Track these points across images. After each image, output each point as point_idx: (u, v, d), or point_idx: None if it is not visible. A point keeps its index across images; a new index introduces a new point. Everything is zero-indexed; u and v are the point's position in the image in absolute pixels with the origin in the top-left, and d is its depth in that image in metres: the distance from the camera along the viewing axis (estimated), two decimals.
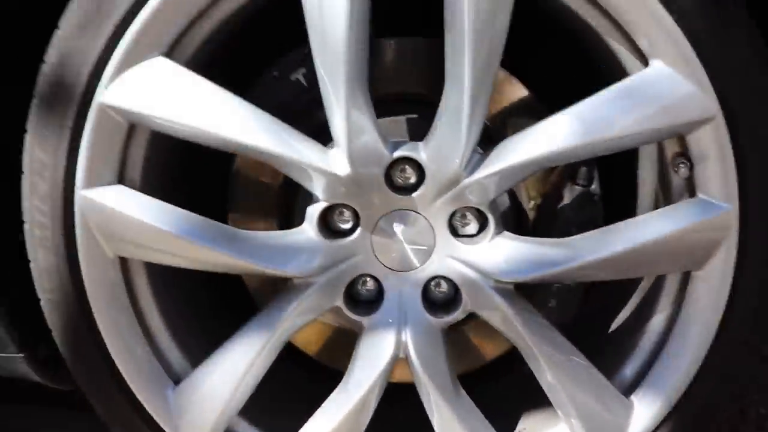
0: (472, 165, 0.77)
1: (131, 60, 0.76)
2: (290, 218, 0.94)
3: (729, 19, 0.74)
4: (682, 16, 0.73)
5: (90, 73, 0.76)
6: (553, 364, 0.84)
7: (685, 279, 0.83)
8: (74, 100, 0.77)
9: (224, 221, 0.99)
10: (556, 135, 0.76)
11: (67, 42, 0.76)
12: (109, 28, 0.75)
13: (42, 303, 0.85)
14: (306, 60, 0.86)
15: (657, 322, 0.86)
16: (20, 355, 0.89)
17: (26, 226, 0.82)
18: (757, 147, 0.77)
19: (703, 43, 0.74)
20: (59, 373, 0.95)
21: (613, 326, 0.94)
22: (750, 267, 0.80)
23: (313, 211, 0.81)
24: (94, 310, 0.83)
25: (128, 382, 0.86)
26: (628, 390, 0.87)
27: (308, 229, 0.81)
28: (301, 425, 0.89)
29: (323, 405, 0.87)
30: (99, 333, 0.84)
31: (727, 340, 0.82)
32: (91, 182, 0.79)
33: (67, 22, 0.76)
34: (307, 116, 0.88)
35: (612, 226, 0.81)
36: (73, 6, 0.76)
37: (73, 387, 0.94)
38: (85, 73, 0.76)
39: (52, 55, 0.77)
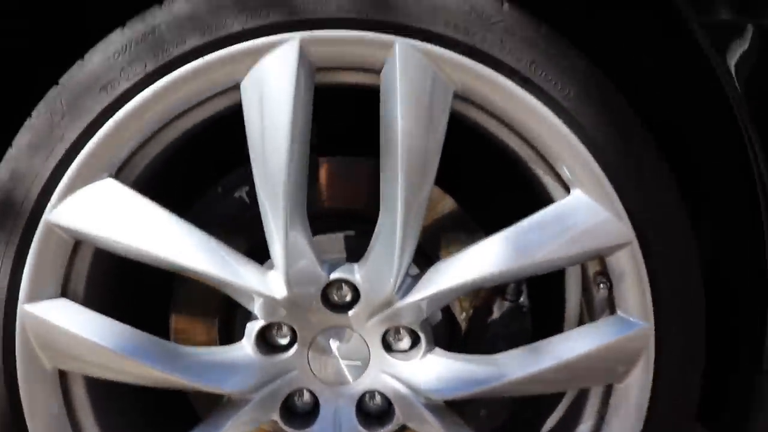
0: (405, 288, 0.81)
1: (81, 181, 0.79)
2: (232, 322, 0.98)
3: (640, 154, 0.82)
4: (596, 149, 0.80)
5: (39, 192, 0.79)
6: None
7: (608, 390, 0.88)
8: (22, 217, 0.79)
9: (167, 322, 1.01)
10: (484, 260, 0.81)
11: (19, 161, 0.79)
12: (60, 151, 0.78)
13: None
14: (248, 178, 0.91)
15: (583, 430, 0.90)
16: None
17: None
18: (668, 270, 0.83)
19: (617, 175, 0.80)
20: None
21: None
22: (667, 379, 0.85)
23: (252, 329, 0.84)
24: (28, 422, 0.83)
25: None
26: None
27: (246, 346, 0.84)
28: None
29: None
30: None
31: None
32: (34, 297, 0.81)
33: (20, 141, 0.79)
34: (249, 231, 0.92)
35: (538, 343, 0.85)
36: (27, 127, 0.79)
37: None
38: (35, 192, 0.79)
39: (3, 172, 0.80)
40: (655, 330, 0.83)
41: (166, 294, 1.01)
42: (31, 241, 0.80)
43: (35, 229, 0.80)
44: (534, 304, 0.98)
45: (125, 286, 0.93)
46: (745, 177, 0.82)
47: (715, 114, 0.83)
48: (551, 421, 0.99)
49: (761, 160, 0.80)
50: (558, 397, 0.97)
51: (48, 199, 0.79)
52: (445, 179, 0.90)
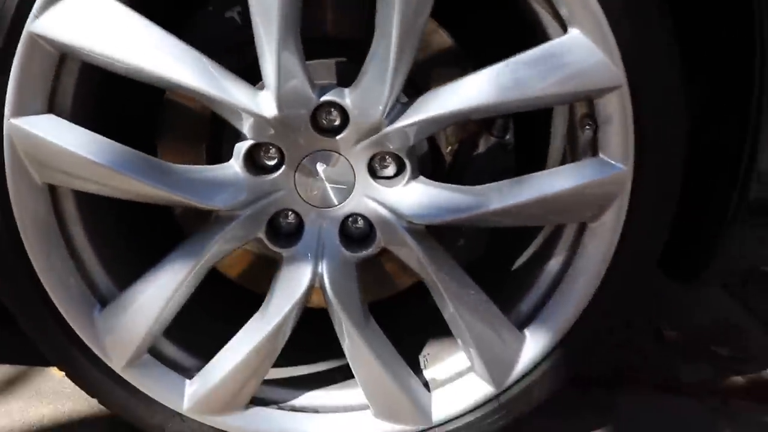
0: (394, 114, 0.83)
1: None
2: (218, 149, 1.00)
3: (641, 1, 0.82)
4: None
5: (17, 3, 0.77)
6: (454, 298, 0.94)
7: (581, 229, 0.93)
8: (2, 28, 0.78)
9: (153, 149, 1.03)
10: (474, 92, 0.82)
11: None
12: None
13: None
14: None
15: (553, 265, 0.97)
16: None
17: None
18: (653, 116, 0.85)
19: (617, 18, 0.81)
20: None
21: (515, 266, 1.05)
22: (636, 223, 0.91)
23: (240, 148, 0.86)
24: (21, 233, 0.87)
25: (56, 303, 0.92)
26: (523, 324, 0.98)
27: (235, 165, 0.87)
28: (222, 345, 0.98)
29: (243, 328, 0.96)
30: (27, 256, 0.89)
31: (611, 285, 0.94)
32: (21, 111, 0.82)
33: None
34: (239, 53, 0.92)
35: (520, 178, 0.89)
36: None
37: None
38: (13, 3, 0.77)
39: None
40: (633, 175, 0.87)
41: (152, 122, 1.02)
42: (14, 52, 0.80)
43: (17, 40, 0.79)
44: (519, 142, 1.01)
45: (112, 106, 0.93)
46: (743, 35, 0.84)
47: None
48: (524, 257, 1.05)
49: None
50: (531, 234, 1.04)
51: (29, 8, 0.78)
52: (442, 13, 0.89)
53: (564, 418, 1.21)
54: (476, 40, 1.00)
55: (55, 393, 1.18)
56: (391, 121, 0.83)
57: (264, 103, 0.82)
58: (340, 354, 1.00)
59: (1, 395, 1.18)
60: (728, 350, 1.45)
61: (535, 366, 0.98)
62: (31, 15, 0.78)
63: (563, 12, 0.82)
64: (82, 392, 1.05)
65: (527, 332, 0.98)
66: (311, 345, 1.08)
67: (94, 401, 1.11)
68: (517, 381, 0.99)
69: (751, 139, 0.88)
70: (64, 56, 0.82)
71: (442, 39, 0.97)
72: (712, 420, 1.25)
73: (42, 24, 0.78)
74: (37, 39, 0.79)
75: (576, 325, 0.96)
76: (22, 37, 0.79)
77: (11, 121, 0.82)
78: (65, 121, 0.84)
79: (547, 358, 0.98)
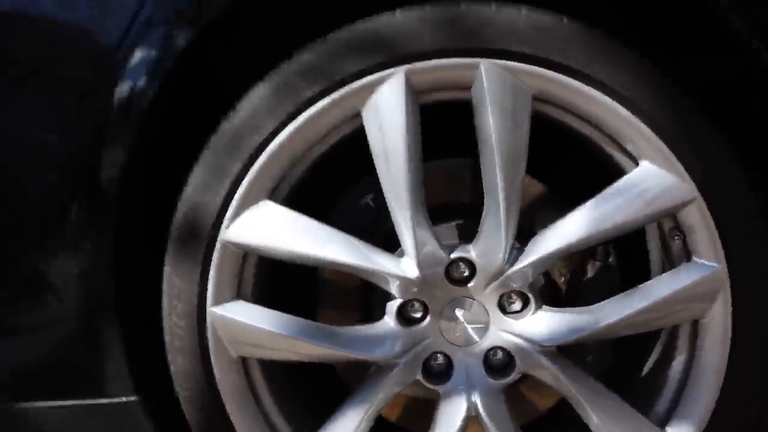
0: (512, 258, 1.06)
1: (244, 206, 1.07)
2: (369, 313, 1.25)
3: (693, 125, 1.04)
4: (656, 126, 1.03)
5: (214, 219, 1.07)
6: (597, 407, 1.11)
7: (695, 326, 1.11)
8: (203, 240, 1.08)
9: (314, 316, 1.29)
10: (573, 228, 1.05)
11: (195, 197, 1.08)
12: (226, 185, 1.07)
13: (180, 397, 1.14)
14: (372, 186, 1.19)
15: (678, 363, 1.13)
16: None
17: (167, 338, 1.13)
18: (731, 217, 1.06)
19: (677, 145, 1.04)
20: None
21: (644, 371, 1.21)
22: (743, 311, 1.08)
23: (392, 306, 1.10)
24: (224, 400, 1.13)
25: None
26: (662, 423, 1.13)
27: (389, 321, 1.11)
28: None
29: None
30: (228, 416, 1.13)
31: (736, 373, 1.10)
32: (218, 300, 1.10)
33: (194, 180, 1.08)
34: (376, 230, 1.20)
35: (628, 291, 1.09)
36: (197, 170, 1.08)
37: None
38: (210, 219, 1.07)
39: (183, 207, 1.08)
40: (728, 269, 1.06)
41: (313, 294, 1.30)
42: (212, 256, 1.09)
43: (214, 247, 1.09)
44: (621, 262, 1.22)
45: (282, 287, 1.21)
46: None
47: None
48: (650, 361, 1.22)
49: None
50: (654, 339, 1.21)
51: (221, 223, 1.08)
52: (534, 168, 1.15)
53: None
54: (564, 183, 1.24)
55: None
56: (511, 265, 1.06)
57: (407, 267, 1.07)
58: None
59: None
60: None
61: None
62: (222, 227, 1.08)
63: (630, 149, 1.06)
64: None
65: (669, 430, 1.13)
66: None
67: None
68: None
69: None
70: (246, 254, 1.11)
71: (538, 188, 1.22)
72: None
73: (230, 232, 1.08)
74: (227, 244, 1.08)
75: (713, 418, 1.11)
76: (216, 244, 1.08)
77: (212, 309, 1.10)
78: (250, 304, 1.12)
79: None
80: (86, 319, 1.12)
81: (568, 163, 1.23)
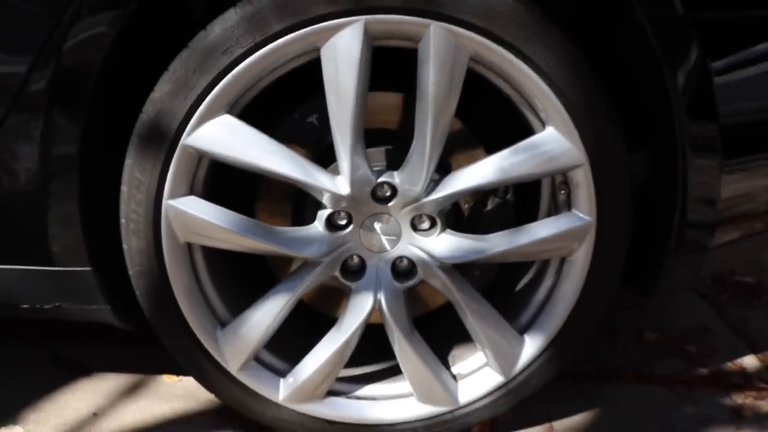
0: (429, 189, 1.32)
1: (206, 117, 1.26)
2: (301, 211, 1.49)
3: (596, 106, 1.30)
4: (566, 101, 1.28)
5: (178, 125, 1.26)
6: (474, 314, 1.42)
7: (562, 261, 1.42)
8: (166, 142, 1.27)
9: (253, 214, 1.51)
10: (483, 173, 1.31)
11: (162, 103, 1.25)
12: (193, 96, 1.24)
13: (131, 273, 1.36)
14: (317, 108, 1.40)
15: (544, 287, 1.46)
16: (108, 307, 1.42)
17: (123, 221, 1.33)
18: (608, 183, 1.34)
19: (579, 119, 1.29)
20: (130, 320, 1.48)
21: (517, 289, 1.54)
22: (601, 255, 1.39)
23: (322, 215, 1.35)
24: (170, 277, 1.36)
25: (191, 325, 1.40)
26: (522, 331, 1.47)
27: (318, 226, 1.36)
28: (304, 354, 1.46)
29: (323, 339, 1.44)
30: (172, 292, 1.37)
31: (585, 301, 1.43)
32: (173, 194, 1.31)
33: (162, 89, 1.25)
34: (316, 146, 1.41)
35: (517, 228, 1.38)
36: (166, 79, 1.24)
37: (138, 328, 1.48)
38: (174, 125, 1.26)
39: (149, 110, 1.26)
40: (597, 222, 1.36)
41: (253, 195, 1.51)
42: (172, 157, 1.28)
43: (175, 149, 1.28)
44: (517, 201, 1.50)
45: (227, 187, 1.42)
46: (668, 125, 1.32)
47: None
48: (524, 281, 1.55)
49: (678, 116, 1.29)
50: (528, 266, 1.53)
51: (184, 128, 1.27)
52: (460, 111, 1.38)
53: (561, 403, 1.69)
54: (485, 130, 1.48)
55: (170, 394, 1.68)
56: (427, 195, 1.32)
57: (341, 185, 1.30)
58: (390, 358, 1.49)
59: (126, 398, 1.67)
60: (696, 348, 1.93)
61: (533, 361, 1.47)
62: (185, 133, 1.26)
63: (542, 115, 1.31)
64: (192, 394, 1.54)
65: (526, 336, 1.46)
66: (370, 353, 1.57)
67: (201, 399, 1.62)
68: (520, 372, 1.47)
69: (681, 199, 1.37)
70: (201, 157, 1.31)
71: (460, 127, 1.46)
72: (679, 404, 1.73)
73: (191, 138, 1.27)
74: (187, 148, 1.27)
75: (561, 330, 1.45)
76: (177, 147, 1.27)
77: (167, 202, 1.31)
78: (201, 199, 1.33)
79: (541, 355, 1.47)
80: (49, 193, 1.30)
81: (488, 112, 1.47)
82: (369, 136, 1.35)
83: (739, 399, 1.75)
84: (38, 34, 1.21)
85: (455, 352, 1.56)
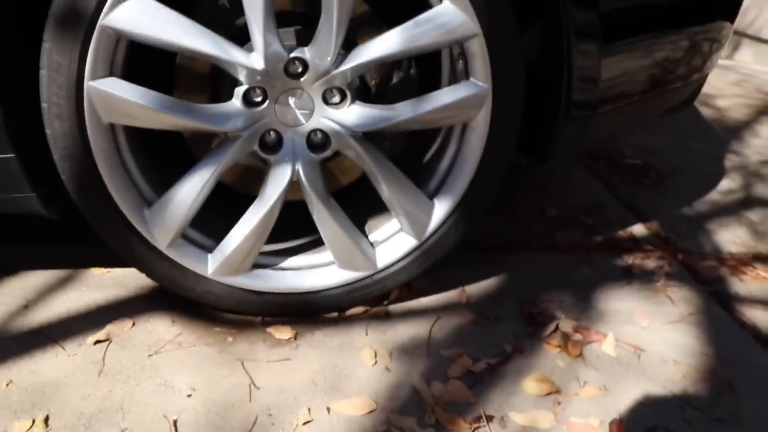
0: (338, 62, 1.44)
1: None
2: (215, 96, 1.58)
3: None
4: None
5: (95, 5, 1.33)
6: (387, 182, 1.56)
7: (464, 128, 1.58)
8: (84, 22, 1.34)
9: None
10: (387, 44, 1.43)
11: None
12: None
13: (56, 157, 1.44)
14: None
15: (449, 154, 1.61)
16: (33, 194, 1.50)
17: (44, 105, 1.40)
18: (501, 52, 1.49)
19: None
20: (55, 209, 1.56)
21: (425, 158, 1.68)
22: (498, 117, 1.55)
23: (239, 91, 1.45)
24: (96, 159, 1.44)
25: (119, 205, 1.49)
26: (432, 196, 1.62)
27: (236, 102, 1.46)
28: (228, 227, 1.57)
29: (246, 213, 1.56)
30: (98, 173, 1.46)
31: (486, 164, 1.59)
32: (95, 76, 1.38)
33: None
34: (228, 27, 1.50)
35: (421, 96, 1.52)
36: None
37: (65, 217, 1.56)
38: (92, 5, 1.33)
39: None
40: (492, 88, 1.51)
41: (170, 77, 1.59)
42: (91, 38, 1.36)
43: (93, 30, 1.35)
44: (420, 75, 1.63)
45: (145, 70, 1.50)
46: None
47: None
48: (430, 152, 1.69)
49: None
50: (434, 136, 1.67)
51: (101, 9, 1.34)
52: None
53: (470, 270, 1.87)
54: (386, 7, 1.61)
55: (100, 284, 1.78)
56: (336, 67, 1.44)
57: (255, 61, 1.41)
58: (311, 233, 1.62)
59: (56, 290, 1.76)
60: (593, 220, 2.14)
61: (442, 223, 1.63)
62: (102, 14, 1.34)
63: None
64: (121, 282, 1.64)
65: (435, 201, 1.62)
66: (292, 230, 1.70)
67: (130, 287, 1.73)
68: (432, 234, 1.63)
69: (567, 71, 1.53)
70: (119, 38, 1.38)
71: (365, 8, 1.58)
72: (578, 266, 1.93)
73: (109, 19, 1.34)
74: (105, 28, 1.35)
75: (467, 191, 1.60)
76: (96, 28, 1.35)
77: (89, 83, 1.38)
78: (121, 80, 1.41)
79: (450, 217, 1.63)
80: None
81: None
82: (279, 17, 1.46)
83: (630, 260, 1.97)
84: None
85: (371, 223, 1.71)
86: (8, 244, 1.91)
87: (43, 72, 1.38)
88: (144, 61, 1.50)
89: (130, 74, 1.46)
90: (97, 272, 1.82)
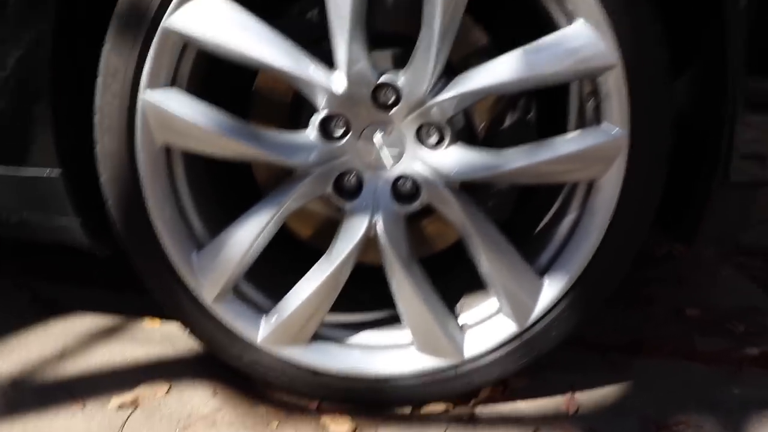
0: (436, 89, 1.19)
1: None
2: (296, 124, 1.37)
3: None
4: None
5: (159, 3, 1.16)
6: (487, 249, 1.27)
7: (589, 188, 1.27)
8: (146, 23, 1.17)
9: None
10: (499, 71, 1.18)
11: None
12: None
13: (102, 179, 1.25)
14: (318, 2, 1.28)
15: (567, 221, 1.30)
16: (77, 219, 1.31)
17: (96, 117, 1.22)
18: (643, 90, 1.19)
19: (612, 11, 1.15)
20: (102, 242, 1.37)
21: (537, 226, 1.39)
22: (634, 179, 1.23)
23: (316, 119, 1.22)
24: (143, 184, 1.25)
25: (164, 244, 1.28)
26: (542, 272, 1.31)
27: (311, 132, 1.23)
28: (291, 285, 1.32)
29: (311, 270, 1.31)
30: (145, 203, 1.25)
31: (614, 236, 1.27)
32: (152, 84, 1.20)
33: None
34: (316, 45, 1.29)
35: (539, 142, 1.24)
36: None
37: (112, 252, 1.36)
38: (156, 4, 1.16)
39: None
40: (629, 137, 1.21)
41: (245, 104, 1.40)
42: (152, 40, 1.18)
43: (156, 30, 1.17)
44: (540, 120, 1.36)
45: (217, 91, 1.31)
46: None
47: None
48: (545, 220, 1.39)
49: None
50: (549, 201, 1.37)
51: (165, 10, 1.16)
52: (475, 10, 1.25)
53: (583, 373, 1.53)
54: (502, 31, 1.35)
55: (147, 339, 1.56)
56: (434, 96, 1.19)
57: (336, 80, 1.18)
58: (388, 305, 1.35)
59: (99, 339, 1.56)
60: (744, 327, 1.75)
61: (551, 308, 1.31)
62: (166, 14, 1.16)
63: (569, 7, 1.17)
64: (170, 339, 1.41)
65: (546, 279, 1.31)
66: (365, 300, 1.43)
67: (179, 346, 1.50)
68: (537, 321, 1.32)
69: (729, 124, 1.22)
70: (186, 45, 1.20)
71: (477, 33, 1.33)
72: (723, 383, 1.55)
73: (174, 20, 1.17)
74: (169, 31, 1.17)
75: (586, 270, 1.29)
76: (158, 30, 1.17)
77: (145, 92, 1.20)
78: (184, 94, 1.22)
79: (561, 301, 1.31)
80: (20, 93, 1.23)
81: (509, 12, 1.35)
82: (377, 39, 1.24)
83: None
84: None
85: (463, 300, 1.40)
86: (65, 281, 1.77)
87: (99, 79, 1.21)
88: (218, 83, 1.32)
89: (199, 94, 1.27)
90: (148, 325, 1.61)
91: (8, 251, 1.94)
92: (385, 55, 1.31)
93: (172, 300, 1.33)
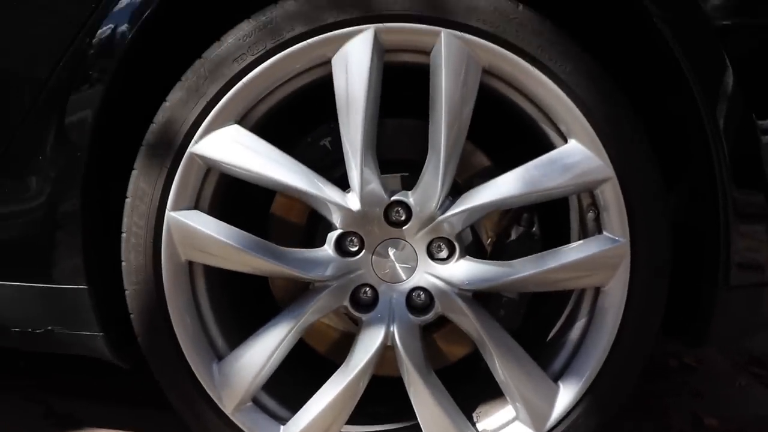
0: (444, 207, 1.28)
1: (216, 126, 1.28)
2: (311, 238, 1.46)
3: (619, 114, 1.28)
4: (587, 110, 1.26)
5: (186, 132, 1.28)
6: (501, 356, 1.33)
7: (596, 296, 1.34)
8: (173, 149, 1.29)
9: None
10: (503, 187, 1.28)
11: (173, 111, 1.28)
12: (202, 104, 1.27)
13: (127, 293, 1.34)
14: (331, 132, 1.41)
15: (578, 326, 1.37)
16: (100, 334, 1.39)
17: (124, 235, 1.33)
18: (640, 200, 1.28)
19: (602, 130, 1.27)
20: (124, 355, 1.44)
21: (549, 336, 1.45)
22: (639, 285, 1.31)
23: (332, 236, 1.32)
24: (167, 297, 1.33)
25: (186, 355, 1.35)
26: (557, 378, 1.37)
27: (327, 249, 1.33)
28: (309, 397, 1.38)
29: (328, 381, 1.36)
30: (168, 316, 1.34)
31: (624, 340, 1.33)
32: (177, 206, 1.31)
33: (174, 97, 1.28)
34: (330, 171, 1.40)
35: (545, 252, 1.32)
36: (178, 88, 1.28)
37: (134, 365, 1.43)
38: (183, 132, 1.28)
39: (160, 118, 1.29)
40: (631, 245, 1.29)
41: (263, 228, 1.50)
42: (179, 165, 1.30)
43: (182, 157, 1.29)
44: (543, 234, 1.45)
45: (236, 215, 1.41)
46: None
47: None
48: (556, 327, 1.46)
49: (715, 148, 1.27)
50: (559, 308, 1.45)
51: (191, 137, 1.29)
52: (475, 136, 1.37)
53: None
54: (502, 153, 1.46)
55: None
56: (443, 213, 1.28)
57: (350, 201, 1.29)
58: (406, 417, 1.40)
59: None
60: None
61: (569, 412, 1.36)
62: (192, 141, 1.29)
63: (562, 128, 1.29)
64: None
65: (561, 384, 1.36)
66: (382, 413, 1.48)
67: None
68: (554, 426, 1.36)
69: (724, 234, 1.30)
70: (209, 169, 1.32)
71: (478, 156, 1.45)
72: None
73: (199, 147, 1.29)
74: (194, 157, 1.29)
75: (600, 374, 1.34)
76: (184, 155, 1.29)
77: (170, 213, 1.30)
78: (206, 215, 1.32)
79: (578, 405, 1.35)
80: (51, 213, 1.34)
81: (506, 134, 1.46)
82: (387, 164, 1.36)
83: None
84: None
85: (481, 408, 1.45)
86: (80, 396, 1.81)
87: (128, 200, 1.32)
88: (238, 206, 1.42)
89: (220, 215, 1.37)
90: None
91: (21, 364, 1.99)
92: (395, 179, 1.41)
93: (192, 410, 1.38)
